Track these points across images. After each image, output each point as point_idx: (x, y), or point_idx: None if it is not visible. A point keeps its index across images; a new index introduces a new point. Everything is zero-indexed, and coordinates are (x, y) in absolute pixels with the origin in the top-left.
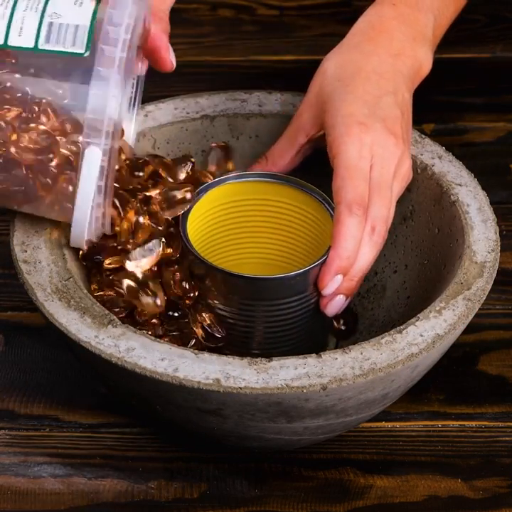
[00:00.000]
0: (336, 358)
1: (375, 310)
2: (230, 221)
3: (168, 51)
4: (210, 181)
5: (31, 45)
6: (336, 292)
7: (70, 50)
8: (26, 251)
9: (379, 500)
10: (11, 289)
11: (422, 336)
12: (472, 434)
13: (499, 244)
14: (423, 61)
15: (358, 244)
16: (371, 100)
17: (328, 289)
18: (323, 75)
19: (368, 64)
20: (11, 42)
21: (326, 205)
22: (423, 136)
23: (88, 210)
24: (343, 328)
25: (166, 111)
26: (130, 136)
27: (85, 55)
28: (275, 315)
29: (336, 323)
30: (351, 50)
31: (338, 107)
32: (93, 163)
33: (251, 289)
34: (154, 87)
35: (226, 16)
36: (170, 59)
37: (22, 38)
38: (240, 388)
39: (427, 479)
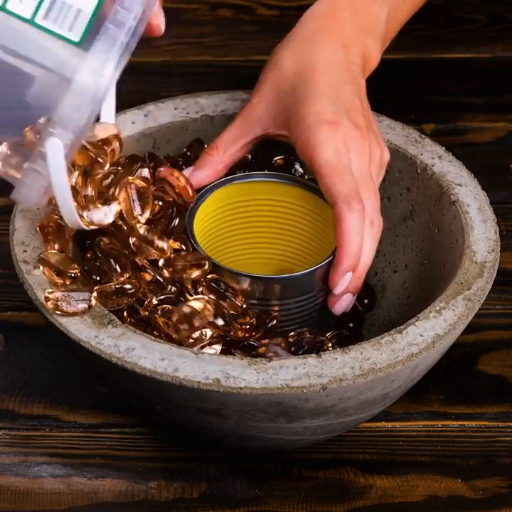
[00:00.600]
0: (336, 358)
1: (375, 310)
2: (236, 221)
3: (157, 17)
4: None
5: (28, 16)
6: (345, 291)
7: (65, 34)
8: (26, 251)
9: (379, 500)
10: (11, 289)
11: (422, 335)
12: (472, 434)
13: (499, 244)
14: (372, 53)
15: (362, 240)
16: (332, 93)
17: (339, 288)
18: (279, 69)
19: (324, 55)
20: (10, 6)
21: None
22: (423, 136)
23: (68, 195)
24: (366, 301)
25: (165, 111)
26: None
27: (78, 44)
28: (282, 314)
29: (357, 302)
30: (305, 42)
31: (302, 107)
32: (57, 154)
33: (259, 288)
34: (154, 86)
35: (226, 16)
36: (158, 23)
37: (21, 6)
38: (240, 388)
39: (427, 479)
